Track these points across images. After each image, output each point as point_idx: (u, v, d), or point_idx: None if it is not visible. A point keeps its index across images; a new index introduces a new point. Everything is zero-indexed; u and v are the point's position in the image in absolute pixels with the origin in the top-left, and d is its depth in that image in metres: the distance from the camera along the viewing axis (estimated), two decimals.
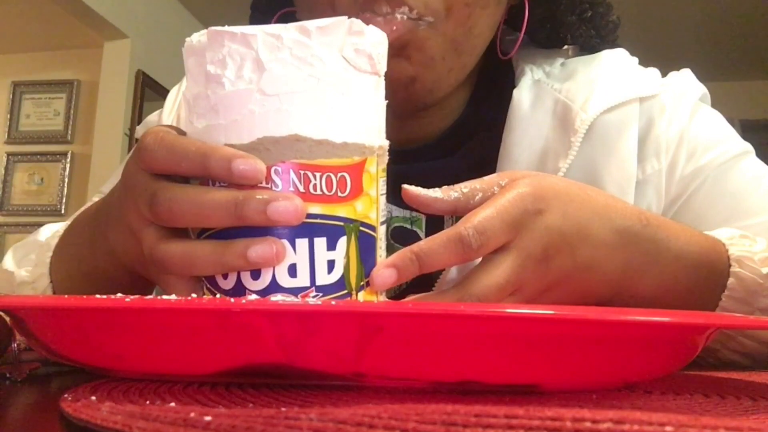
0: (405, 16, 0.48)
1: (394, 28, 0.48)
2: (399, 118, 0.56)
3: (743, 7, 3.40)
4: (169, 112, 0.69)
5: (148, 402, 0.23)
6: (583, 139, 0.55)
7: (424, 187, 0.39)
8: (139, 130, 0.72)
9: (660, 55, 1.17)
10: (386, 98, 0.37)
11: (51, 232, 0.59)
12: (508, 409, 0.19)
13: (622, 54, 0.62)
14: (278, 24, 0.33)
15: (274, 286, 0.32)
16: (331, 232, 0.33)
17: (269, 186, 0.32)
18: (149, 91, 3.28)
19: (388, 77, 0.50)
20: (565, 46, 0.64)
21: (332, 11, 0.50)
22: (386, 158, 0.36)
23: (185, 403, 0.23)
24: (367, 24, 0.48)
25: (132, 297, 0.26)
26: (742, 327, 0.44)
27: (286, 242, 0.32)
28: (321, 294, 0.33)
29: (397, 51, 0.49)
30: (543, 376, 0.27)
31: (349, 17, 0.49)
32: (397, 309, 0.26)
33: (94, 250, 0.45)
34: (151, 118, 0.72)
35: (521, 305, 0.36)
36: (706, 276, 0.44)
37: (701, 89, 0.62)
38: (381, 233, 0.36)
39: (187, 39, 0.34)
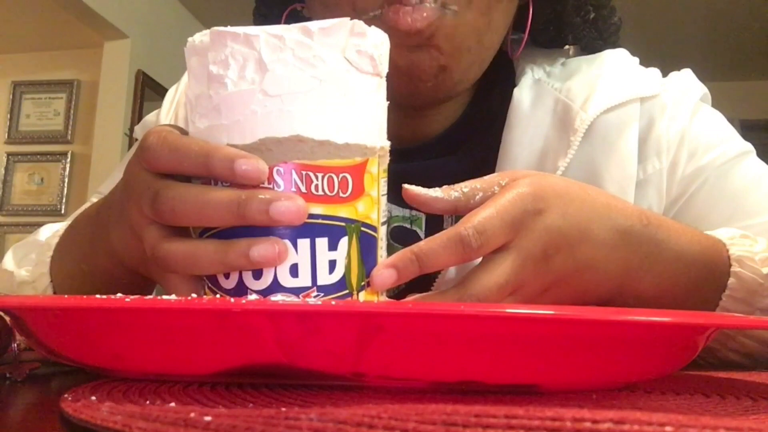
0: (432, 4, 0.49)
1: (425, 14, 0.48)
2: (403, 113, 0.55)
3: (743, 7, 3.40)
4: (167, 112, 0.69)
5: (148, 402, 0.23)
6: (583, 139, 0.55)
7: (424, 185, 0.39)
8: (138, 131, 0.72)
9: (660, 55, 1.17)
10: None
11: (51, 231, 0.59)
12: (508, 409, 0.19)
13: (622, 54, 0.62)
14: (281, 25, 0.33)
15: (275, 286, 0.32)
16: (333, 232, 0.33)
17: (271, 186, 0.32)
18: (149, 91, 3.28)
19: (417, 68, 0.50)
20: (566, 46, 0.64)
21: (351, 9, 0.50)
22: (387, 159, 0.36)
23: (185, 403, 0.23)
24: (396, 15, 0.48)
25: (132, 297, 0.26)
26: (742, 327, 0.44)
27: (287, 242, 0.32)
28: (322, 294, 0.33)
29: (425, 40, 0.50)
30: (543, 376, 0.27)
31: (373, 12, 0.49)
32: (397, 309, 0.26)
33: (94, 249, 0.45)
34: (150, 119, 0.72)
35: (521, 305, 0.36)
36: (707, 276, 0.44)
37: (702, 89, 0.62)
38: (382, 233, 0.36)
39: (190, 39, 0.34)
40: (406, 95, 0.45)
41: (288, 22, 0.47)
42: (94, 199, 0.61)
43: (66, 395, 0.24)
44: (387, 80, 0.36)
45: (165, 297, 0.27)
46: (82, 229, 0.49)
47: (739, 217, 0.54)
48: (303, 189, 0.32)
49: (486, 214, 0.36)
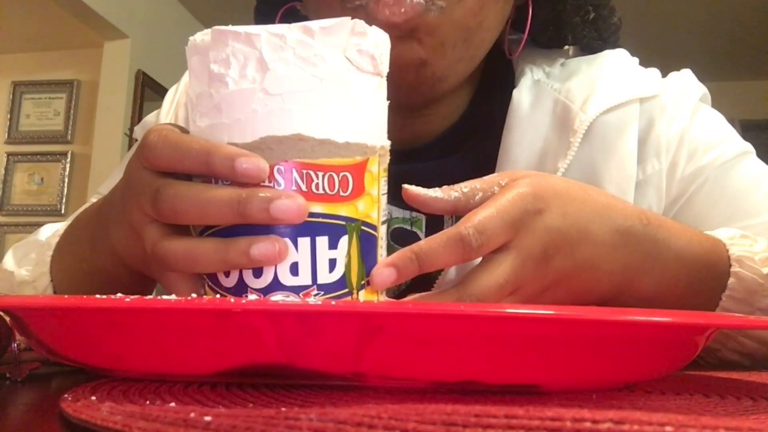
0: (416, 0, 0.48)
1: (403, 10, 0.48)
2: (402, 114, 0.55)
3: (743, 7, 3.40)
4: (167, 113, 0.69)
5: (148, 402, 0.23)
6: (583, 140, 0.55)
7: (424, 186, 0.39)
8: (138, 131, 0.72)
9: (660, 55, 1.17)
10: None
11: (51, 231, 0.59)
12: (508, 409, 0.19)
13: (622, 54, 0.62)
14: (282, 24, 0.33)
15: (275, 285, 0.32)
16: (333, 231, 0.33)
17: (272, 185, 0.32)
18: (149, 91, 3.28)
19: (398, 59, 0.50)
20: (566, 47, 0.64)
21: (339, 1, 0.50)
22: (388, 158, 0.36)
23: (185, 403, 0.23)
24: (376, 6, 0.48)
25: (132, 297, 0.26)
26: (742, 327, 0.44)
27: (288, 241, 0.32)
28: (322, 292, 0.33)
29: (407, 33, 0.49)
30: (543, 376, 0.27)
31: (359, 1, 0.49)
32: (397, 309, 0.26)
33: (95, 248, 0.45)
34: (149, 119, 0.72)
35: (521, 305, 0.36)
36: (707, 276, 0.44)
37: (702, 89, 0.62)
38: (382, 233, 0.36)
39: (191, 38, 0.34)
40: (392, 88, 0.45)
41: (285, 20, 0.47)
42: (94, 200, 0.61)
43: (66, 395, 0.24)
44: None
45: (165, 297, 0.27)
46: (83, 229, 0.49)
47: (739, 217, 0.54)
48: (303, 188, 0.32)
49: (486, 213, 0.36)
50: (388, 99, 0.36)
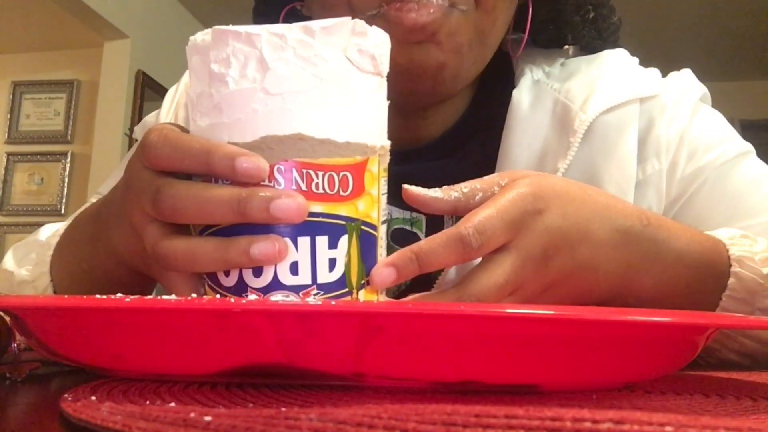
0: (440, 1, 0.48)
1: (432, 10, 0.48)
2: (403, 114, 0.55)
3: (743, 7, 3.40)
4: (167, 113, 0.69)
5: (148, 402, 0.23)
6: (583, 140, 0.55)
7: (424, 187, 0.39)
8: (138, 131, 0.72)
9: (660, 55, 1.17)
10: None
11: (51, 231, 0.59)
12: (508, 409, 0.19)
13: (622, 54, 0.62)
14: (282, 24, 0.33)
15: (275, 284, 0.32)
16: (333, 230, 0.33)
17: (272, 184, 0.32)
18: (149, 91, 3.28)
19: (416, 66, 0.50)
20: (566, 46, 0.64)
21: (348, 9, 0.50)
22: (387, 158, 0.36)
23: (185, 403, 0.23)
24: (399, 12, 0.48)
25: (132, 297, 0.26)
26: (742, 327, 0.44)
27: (288, 240, 0.32)
28: (322, 292, 0.33)
29: (428, 37, 0.49)
30: (543, 376, 0.27)
31: (371, 11, 0.49)
32: (397, 309, 0.26)
33: (95, 248, 0.45)
34: (149, 119, 0.72)
35: (521, 305, 0.36)
36: (707, 276, 0.44)
37: (702, 89, 0.62)
38: (382, 232, 0.36)
39: (191, 38, 0.34)
40: (406, 94, 0.45)
41: (287, 21, 0.47)
42: (94, 200, 0.61)
43: (66, 395, 0.24)
44: (387, 79, 0.36)
45: (165, 297, 0.27)
46: (83, 228, 0.49)
47: (739, 217, 0.54)
48: (303, 187, 0.32)
49: (486, 213, 0.36)
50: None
